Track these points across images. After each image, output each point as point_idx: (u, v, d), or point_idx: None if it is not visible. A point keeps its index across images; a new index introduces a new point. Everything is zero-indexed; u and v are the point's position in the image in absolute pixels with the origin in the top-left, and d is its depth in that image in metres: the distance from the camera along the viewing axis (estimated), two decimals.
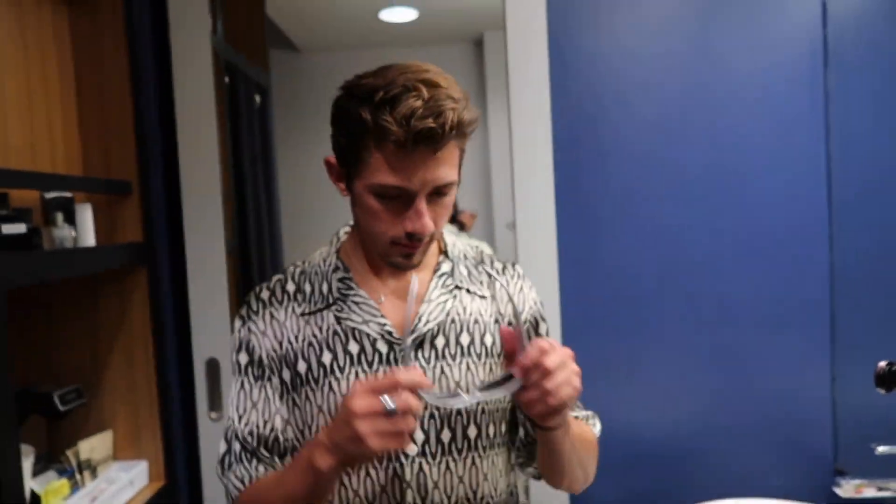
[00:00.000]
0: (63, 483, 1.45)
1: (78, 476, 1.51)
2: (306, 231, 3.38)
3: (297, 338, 0.99)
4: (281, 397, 1.00)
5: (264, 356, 1.00)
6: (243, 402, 1.00)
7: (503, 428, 1.04)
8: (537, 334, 1.06)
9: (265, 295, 1.03)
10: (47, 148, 1.48)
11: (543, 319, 1.10)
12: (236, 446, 0.99)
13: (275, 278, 1.05)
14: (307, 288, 1.02)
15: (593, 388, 1.69)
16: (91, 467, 1.55)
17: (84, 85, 1.60)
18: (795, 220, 1.68)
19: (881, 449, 1.33)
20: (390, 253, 0.96)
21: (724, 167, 1.69)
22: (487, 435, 1.00)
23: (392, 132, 0.84)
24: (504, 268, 1.09)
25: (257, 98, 2.67)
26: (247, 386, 1.01)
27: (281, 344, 1.00)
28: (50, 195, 1.43)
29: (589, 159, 1.70)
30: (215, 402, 1.73)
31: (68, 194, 1.45)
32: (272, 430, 0.99)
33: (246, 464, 0.99)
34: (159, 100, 1.70)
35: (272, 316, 1.01)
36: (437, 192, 0.91)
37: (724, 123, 1.68)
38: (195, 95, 1.67)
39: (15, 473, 1.06)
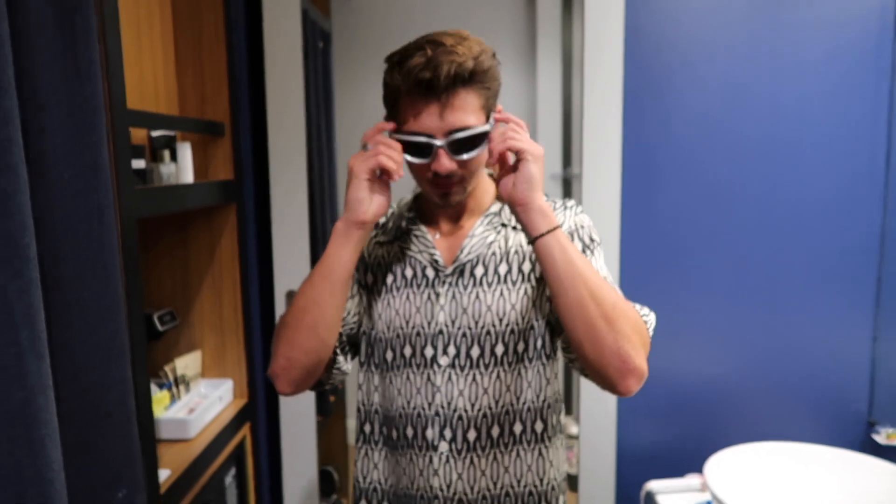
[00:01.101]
0: (165, 394, 1.62)
1: (174, 389, 1.68)
2: None
3: (370, 255, 1.19)
4: (360, 287, 1.19)
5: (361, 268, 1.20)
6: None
7: (536, 343, 1.13)
8: None
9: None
10: (152, 90, 1.60)
11: (580, 239, 1.12)
12: None
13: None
14: (390, 224, 1.20)
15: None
16: (185, 382, 1.71)
17: (181, 33, 1.70)
18: (851, 186, 1.74)
19: None
20: (433, 195, 1.09)
21: (784, 131, 1.75)
22: (515, 351, 1.12)
23: (401, 86, 1.01)
24: (554, 204, 1.16)
25: (320, 44, 2.74)
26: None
27: (363, 255, 1.19)
28: (156, 133, 1.55)
29: (654, 117, 1.76)
30: None
31: (172, 133, 1.57)
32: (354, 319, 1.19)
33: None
34: (248, 48, 1.79)
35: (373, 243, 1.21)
36: (463, 147, 1.02)
37: (786, 90, 1.74)
38: (284, 44, 1.76)
39: (145, 382, 1.21)
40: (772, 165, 1.76)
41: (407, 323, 1.13)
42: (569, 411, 3.36)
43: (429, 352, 1.12)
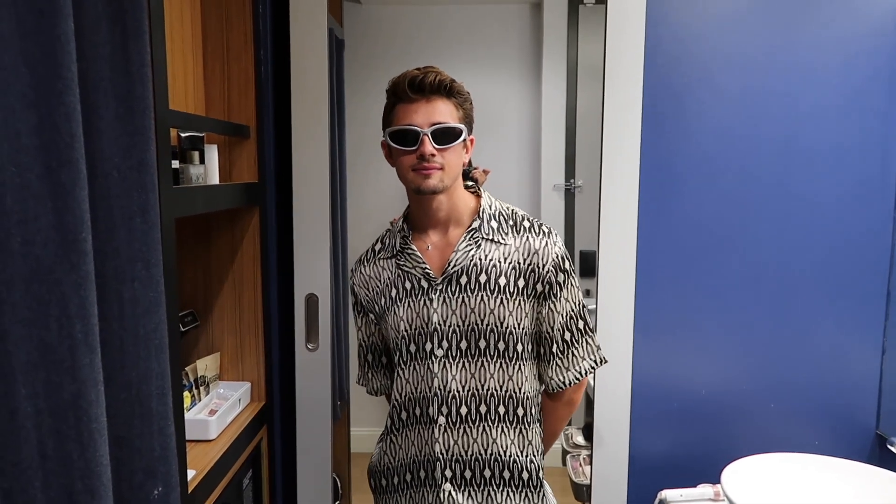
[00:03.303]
0: (186, 395, 1.62)
1: (195, 390, 1.68)
2: (365, 180, 3.52)
3: (380, 279, 1.44)
4: (374, 324, 1.49)
5: (362, 300, 1.48)
6: (357, 327, 1.53)
7: (516, 346, 1.37)
8: (557, 283, 1.38)
9: (362, 257, 1.49)
10: (181, 93, 1.61)
11: (563, 270, 1.39)
12: (358, 353, 1.55)
13: (373, 242, 1.49)
14: (387, 241, 1.46)
15: (658, 342, 1.84)
16: (205, 384, 1.72)
17: (210, 38, 1.72)
18: (863, 200, 1.79)
19: None
20: (415, 179, 1.31)
21: (797, 143, 1.79)
22: (497, 347, 1.36)
23: (398, 88, 1.31)
24: (532, 225, 1.40)
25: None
26: (356, 317, 1.53)
27: (369, 290, 1.45)
28: (185, 134, 1.56)
29: (673, 129, 1.80)
30: (312, 335, 1.89)
31: (201, 135, 1.58)
32: (371, 340, 1.52)
33: (362, 369, 1.55)
34: (274, 53, 1.82)
35: (363, 272, 1.47)
36: (442, 138, 1.29)
37: (802, 104, 1.78)
38: (310, 54, 1.79)
39: (178, 379, 1.22)
40: (786, 179, 1.80)
41: (410, 325, 1.38)
42: (569, 422, 3.38)
43: (428, 346, 1.38)
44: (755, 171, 1.81)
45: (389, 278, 1.41)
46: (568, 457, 2.56)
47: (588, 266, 3.50)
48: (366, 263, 1.47)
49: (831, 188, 1.80)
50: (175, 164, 1.39)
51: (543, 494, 1.43)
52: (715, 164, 1.81)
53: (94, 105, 1.00)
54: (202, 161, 1.57)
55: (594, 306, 1.87)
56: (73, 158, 0.87)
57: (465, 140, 1.34)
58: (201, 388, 1.70)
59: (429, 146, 1.29)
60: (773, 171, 1.81)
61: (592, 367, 1.44)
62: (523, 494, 1.40)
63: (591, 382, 1.94)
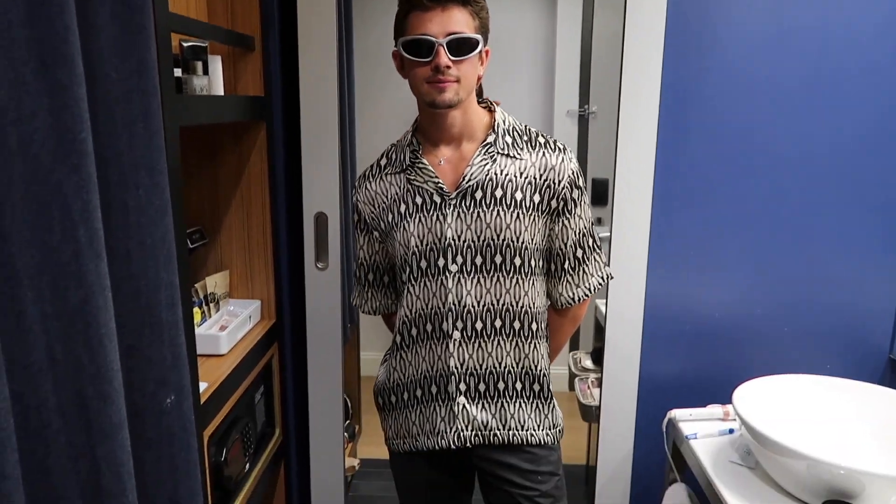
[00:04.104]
0: (197, 311, 1.62)
1: (205, 307, 1.68)
2: (375, 95, 3.44)
3: (386, 195, 1.40)
4: (379, 242, 1.45)
5: (367, 218, 1.45)
6: (359, 245, 1.49)
7: (530, 261, 1.36)
8: (572, 199, 1.37)
9: (367, 173, 1.45)
10: (183, 1, 1.54)
11: (577, 187, 1.38)
12: (356, 272, 1.54)
13: (377, 158, 1.45)
14: (393, 157, 1.41)
15: (672, 266, 1.82)
16: (215, 301, 1.71)
17: None
18: (889, 123, 1.72)
19: None
20: (430, 93, 1.27)
21: (827, 64, 1.71)
22: (512, 263, 1.35)
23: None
24: (547, 142, 1.38)
25: None
26: (358, 235, 1.49)
27: (375, 206, 1.42)
28: (188, 43, 1.50)
29: (697, 50, 1.72)
30: (322, 254, 1.87)
31: (204, 45, 1.52)
32: (374, 259, 1.48)
33: (361, 289, 1.53)
34: None
35: (367, 188, 1.43)
36: (457, 49, 1.24)
37: (834, 22, 1.69)
38: None
39: (187, 290, 1.21)
40: (813, 101, 1.73)
41: (422, 241, 1.35)
42: (575, 346, 3.40)
43: (441, 262, 1.35)
44: (782, 93, 1.74)
45: (398, 193, 1.38)
46: (576, 380, 2.58)
47: (599, 193, 3.45)
48: (371, 179, 1.43)
49: (859, 111, 1.73)
50: (178, 72, 1.34)
51: (553, 406, 1.46)
52: (741, 85, 1.74)
53: (90, 1, 0.94)
54: (206, 72, 1.52)
55: (607, 233, 1.84)
56: (69, 54, 0.83)
57: (480, 51, 1.29)
58: (211, 305, 1.70)
59: (444, 57, 1.24)
60: (800, 94, 1.73)
61: (600, 284, 1.44)
62: (534, 405, 1.42)
63: (603, 309, 1.93)
